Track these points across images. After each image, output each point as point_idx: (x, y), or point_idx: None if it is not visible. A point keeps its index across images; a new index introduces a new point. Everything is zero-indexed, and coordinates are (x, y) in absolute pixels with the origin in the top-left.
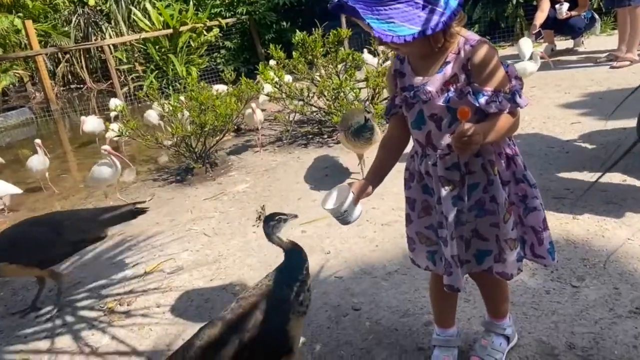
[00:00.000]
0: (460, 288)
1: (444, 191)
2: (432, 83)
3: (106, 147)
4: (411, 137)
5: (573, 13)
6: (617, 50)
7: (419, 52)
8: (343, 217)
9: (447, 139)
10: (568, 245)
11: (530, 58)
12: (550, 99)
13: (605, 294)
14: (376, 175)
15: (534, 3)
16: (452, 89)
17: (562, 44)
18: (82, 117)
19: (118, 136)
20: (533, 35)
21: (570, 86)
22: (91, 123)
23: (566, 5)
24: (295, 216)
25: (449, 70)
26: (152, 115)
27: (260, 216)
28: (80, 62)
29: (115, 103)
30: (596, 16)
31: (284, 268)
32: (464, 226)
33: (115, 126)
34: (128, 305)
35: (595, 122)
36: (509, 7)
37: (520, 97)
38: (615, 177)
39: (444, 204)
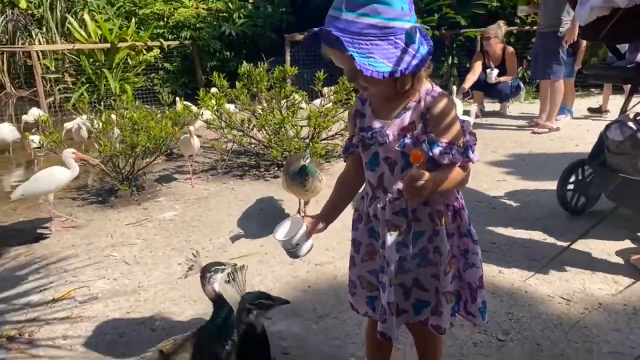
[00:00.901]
0: (393, 337)
1: (389, 236)
2: (390, 127)
3: (71, 150)
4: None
5: (502, 79)
6: (538, 118)
7: (384, 93)
8: (294, 250)
9: (398, 184)
10: (494, 298)
11: (466, 114)
12: (480, 155)
13: (529, 349)
14: (330, 212)
15: (467, 66)
16: (408, 136)
17: (490, 106)
18: None
19: (38, 148)
20: (461, 94)
21: (497, 146)
22: (1, 131)
23: (496, 71)
24: (235, 265)
25: (407, 117)
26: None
27: (192, 266)
28: (2, 65)
29: (35, 113)
30: (522, 85)
31: (217, 322)
32: (405, 274)
33: (36, 137)
34: (30, 335)
35: (518, 181)
36: (445, 67)
37: (473, 152)
38: (536, 235)
39: (388, 249)
